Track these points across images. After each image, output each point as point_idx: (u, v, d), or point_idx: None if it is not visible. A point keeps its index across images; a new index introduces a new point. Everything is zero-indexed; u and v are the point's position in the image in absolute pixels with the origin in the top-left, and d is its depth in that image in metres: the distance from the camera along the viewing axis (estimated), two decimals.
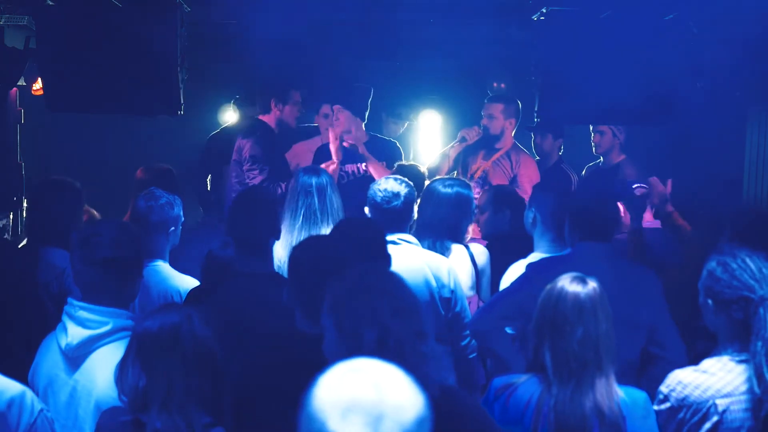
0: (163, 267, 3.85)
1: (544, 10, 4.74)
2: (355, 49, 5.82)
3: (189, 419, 2.25)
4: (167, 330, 2.31)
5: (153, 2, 4.55)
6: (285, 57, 5.60)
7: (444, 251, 4.07)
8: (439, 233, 4.11)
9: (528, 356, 2.77)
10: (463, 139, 6.09)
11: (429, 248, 4.02)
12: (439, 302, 3.75)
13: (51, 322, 2.93)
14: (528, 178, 5.95)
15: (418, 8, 5.36)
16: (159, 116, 5.06)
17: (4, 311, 3.29)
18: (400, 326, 2.23)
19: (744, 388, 2.58)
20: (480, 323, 3.50)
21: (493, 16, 5.40)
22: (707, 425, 2.58)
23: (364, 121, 5.88)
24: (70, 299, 2.74)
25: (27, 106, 5.91)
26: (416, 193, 4.06)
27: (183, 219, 3.99)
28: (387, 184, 3.89)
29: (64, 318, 2.72)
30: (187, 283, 3.80)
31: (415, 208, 4.03)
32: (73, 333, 2.67)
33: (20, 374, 2.55)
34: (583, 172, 6.43)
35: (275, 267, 3.78)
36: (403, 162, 5.66)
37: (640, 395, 2.68)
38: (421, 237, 4.07)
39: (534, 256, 3.94)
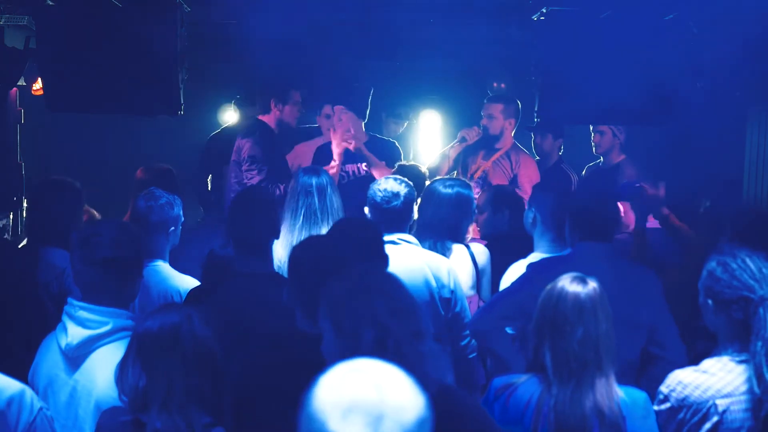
0: (163, 267, 3.85)
1: (544, 10, 4.74)
2: (355, 49, 5.82)
3: (189, 419, 2.25)
4: (167, 330, 2.31)
5: (153, 2, 4.55)
6: (285, 57, 5.59)
7: (445, 251, 4.07)
8: (439, 233, 4.11)
9: (528, 356, 2.77)
10: (462, 140, 6.09)
11: (430, 249, 4.02)
12: (439, 302, 3.75)
13: (51, 322, 2.93)
14: (528, 178, 5.95)
15: (418, 8, 5.36)
16: (159, 116, 5.06)
17: (4, 311, 3.29)
18: (398, 326, 2.23)
19: (744, 388, 2.58)
20: (480, 323, 3.50)
21: (493, 16, 5.40)
22: (707, 425, 2.58)
23: (364, 120, 5.88)
24: (70, 299, 2.74)
25: (27, 106, 5.91)
26: (417, 193, 4.06)
27: (183, 219, 3.99)
28: (387, 184, 3.89)
29: (64, 318, 2.72)
30: (187, 283, 3.80)
31: (415, 208, 4.03)
32: (73, 333, 2.67)
33: (20, 374, 2.55)
34: (583, 172, 6.43)
35: (275, 267, 3.78)
36: (404, 162, 5.67)
37: (640, 395, 2.68)
38: (421, 237, 4.07)
39: (534, 256, 3.94)
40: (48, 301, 3.58)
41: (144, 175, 5.11)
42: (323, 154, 5.73)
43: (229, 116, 7.24)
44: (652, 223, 4.44)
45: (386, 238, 3.78)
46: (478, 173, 6.07)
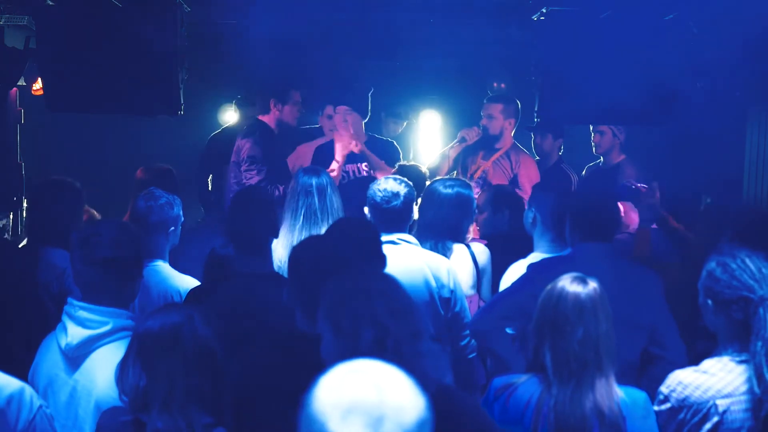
0: (163, 267, 3.85)
1: (544, 10, 4.74)
2: (355, 49, 5.82)
3: (190, 419, 2.25)
4: (168, 330, 2.31)
5: (153, 2, 4.55)
6: (285, 57, 5.60)
7: (446, 252, 4.07)
8: (440, 234, 4.11)
9: (528, 356, 2.77)
10: (462, 140, 6.09)
11: (431, 249, 4.02)
12: (439, 302, 3.75)
13: (51, 322, 2.93)
14: (528, 178, 5.96)
15: (418, 8, 5.36)
16: (159, 116, 5.06)
17: (4, 311, 3.29)
18: (397, 326, 2.23)
19: (744, 388, 2.58)
20: (480, 323, 3.50)
21: (493, 16, 5.40)
22: (708, 426, 2.57)
23: (365, 119, 5.89)
24: (70, 299, 2.74)
25: (27, 106, 5.91)
26: (417, 193, 4.06)
27: (183, 219, 3.99)
28: (386, 184, 3.89)
29: (64, 318, 2.72)
30: (187, 283, 3.80)
31: (415, 208, 4.03)
32: (73, 333, 2.67)
33: (20, 374, 2.55)
34: (583, 172, 6.43)
35: (276, 267, 3.78)
36: (405, 162, 5.67)
37: (640, 395, 2.68)
38: (422, 238, 4.07)
39: (534, 256, 3.94)
40: (48, 301, 3.58)
41: (144, 175, 5.11)
42: (323, 154, 5.73)
43: (229, 116, 7.24)
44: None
45: (386, 238, 3.78)
46: (478, 173, 6.07)
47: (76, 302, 2.71)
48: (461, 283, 3.93)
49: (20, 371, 2.60)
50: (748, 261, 2.62)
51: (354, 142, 5.59)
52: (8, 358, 2.70)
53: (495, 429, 2.44)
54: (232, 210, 3.56)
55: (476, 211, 4.38)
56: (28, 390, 2.44)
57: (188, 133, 7.33)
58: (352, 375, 1.48)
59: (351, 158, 5.70)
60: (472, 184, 4.85)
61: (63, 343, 2.68)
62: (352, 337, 2.21)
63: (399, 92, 6.84)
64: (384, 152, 5.86)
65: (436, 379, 2.27)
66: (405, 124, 6.96)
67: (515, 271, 3.84)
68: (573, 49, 4.66)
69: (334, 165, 5.52)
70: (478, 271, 4.18)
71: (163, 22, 4.52)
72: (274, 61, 5.57)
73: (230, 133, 6.28)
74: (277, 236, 3.63)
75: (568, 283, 2.64)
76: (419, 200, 4.25)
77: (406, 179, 3.98)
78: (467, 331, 3.74)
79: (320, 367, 1.56)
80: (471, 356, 3.85)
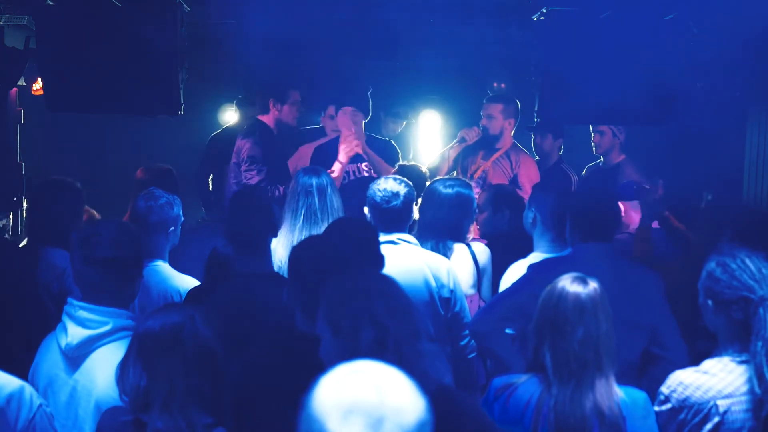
0: (163, 267, 3.86)
1: (544, 10, 4.74)
2: (355, 49, 5.82)
3: (190, 419, 2.25)
4: (168, 330, 2.31)
5: (153, 2, 4.55)
6: (284, 57, 5.59)
7: (446, 251, 4.07)
8: (440, 234, 4.12)
9: (528, 356, 2.77)
10: (462, 140, 6.09)
11: (432, 249, 4.02)
12: (439, 302, 3.75)
13: (51, 322, 2.93)
14: (528, 177, 5.96)
15: (418, 8, 5.36)
16: (159, 116, 5.06)
17: (4, 311, 3.29)
18: (397, 326, 2.23)
19: (745, 388, 2.57)
20: (480, 324, 3.50)
21: (493, 16, 5.40)
22: (708, 426, 2.57)
23: (366, 119, 5.90)
24: (70, 299, 2.75)
25: (27, 106, 5.91)
26: (417, 193, 4.06)
27: (183, 219, 3.99)
28: (386, 184, 3.89)
29: (64, 318, 2.72)
30: (187, 283, 3.80)
31: (415, 208, 4.03)
32: (73, 333, 2.67)
33: (20, 374, 2.55)
34: (583, 172, 6.43)
35: (276, 267, 3.78)
36: (405, 162, 5.67)
37: (639, 395, 2.68)
38: (423, 238, 4.08)
39: (534, 256, 3.94)
40: (48, 301, 3.58)
41: (144, 175, 5.11)
42: (323, 154, 5.72)
43: (229, 116, 7.25)
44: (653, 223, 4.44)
45: (386, 237, 3.78)
46: (478, 173, 6.07)
47: (76, 302, 2.71)
48: (462, 283, 3.93)
49: (20, 371, 2.60)
50: (748, 261, 2.62)
51: (359, 144, 5.59)
52: (8, 358, 2.70)
53: (495, 429, 2.44)
54: (230, 210, 3.56)
55: (476, 210, 4.38)
56: (28, 389, 2.44)
57: (188, 133, 7.33)
58: (353, 376, 1.48)
59: (352, 158, 5.70)
60: (472, 183, 4.85)
61: (63, 343, 2.68)
62: (351, 337, 2.21)
63: (399, 92, 6.84)
64: (383, 152, 5.87)
65: (436, 379, 2.27)
66: (404, 123, 6.96)
67: (515, 271, 3.84)
68: (573, 49, 4.66)
69: (337, 165, 5.51)
70: (479, 271, 4.18)
71: (163, 22, 4.52)
72: (273, 61, 5.57)
73: (231, 133, 6.28)
74: (276, 236, 3.63)
75: (568, 283, 2.64)
76: (419, 200, 4.25)
77: (405, 179, 3.98)
78: (467, 331, 3.74)
79: (320, 367, 1.56)
80: (471, 356, 3.85)
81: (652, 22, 4.71)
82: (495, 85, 6.91)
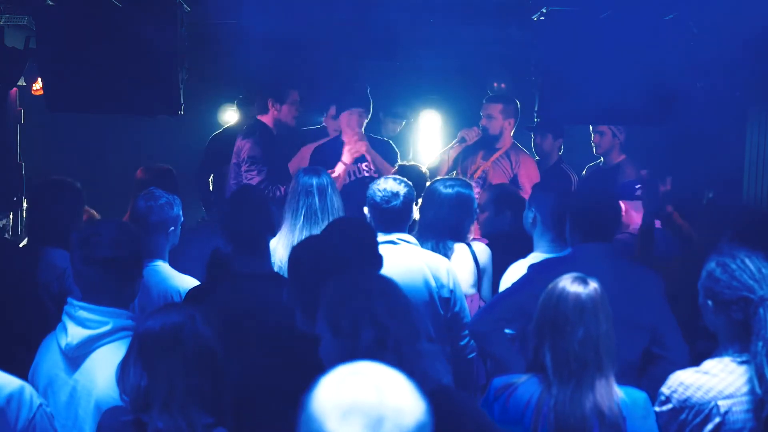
0: (163, 267, 3.85)
1: (544, 10, 4.74)
2: (354, 49, 5.82)
3: (190, 419, 2.25)
4: (169, 330, 2.31)
5: (153, 2, 4.55)
6: (284, 57, 5.59)
7: (446, 251, 4.07)
8: (441, 234, 4.12)
9: (528, 356, 2.77)
10: (462, 140, 6.09)
11: (432, 249, 4.02)
12: (438, 302, 3.75)
13: (51, 322, 2.93)
14: (528, 177, 5.96)
15: (418, 8, 5.36)
16: (159, 116, 5.06)
17: (4, 311, 3.29)
18: (397, 326, 2.23)
19: (746, 389, 2.57)
20: (480, 324, 3.50)
21: (493, 16, 5.40)
22: (709, 426, 2.57)
23: (368, 119, 5.90)
24: (70, 299, 2.75)
25: (27, 106, 5.91)
26: (417, 193, 4.06)
27: (183, 219, 3.99)
28: (386, 184, 3.89)
29: (64, 318, 2.72)
30: (187, 283, 3.80)
31: (415, 208, 4.03)
32: (73, 333, 2.67)
33: (20, 374, 2.55)
34: (583, 172, 6.44)
35: (276, 267, 3.78)
36: (405, 162, 5.67)
37: (639, 395, 2.68)
38: (423, 238, 4.08)
39: (534, 257, 3.94)
40: (48, 301, 3.58)
41: (144, 175, 5.11)
42: (323, 154, 5.72)
43: (229, 116, 7.25)
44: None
45: (385, 237, 3.79)
46: (478, 173, 6.08)
47: (76, 302, 2.71)
48: (462, 282, 3.94)
49: (20, 371, 2.60)
50: (747, 261, 2.62)
51: (364, 145, 5.59)
52: (8, 358, 2.70)
53: (495, 429, 2.44)
54: (228, 210, 3.56)
55: (477, 210, 4.38)
56: (28, 389, 2.44)
57: (188, 133, 7.33)
58: (353, 376, 1.48)
59: None
60: (472, 183, 4.85)
61: (63, 343, 2.68)
62: (351, 337, 2.21)
63: (398, 92, 6.84)
64: (383, 152, 5.87)
65: (436, 379, 2.27)
66: (403, 123, 6.96)
67: (515, 271, 3.84)
68: (573, 49, 4.66)
69: (341, 166, 5.50)
70: (479, 270, 4.18)
71: (163, 22, 4.52)
72: (273, 61, 5.57)
73: (231, 133, 6.28)
74: (274, 235, 3.62)
75: (568, 284, 2.64)
76: (420, 200, 4.25)
77: (405, 179, 3.98)
78: (467, 331, 3.74)
79: (320, 367, 1.56)
80: (471, 356, 3.85)
81: (652, 22, 4.71)
82: (495, 85, 6.91)
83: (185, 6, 4.67)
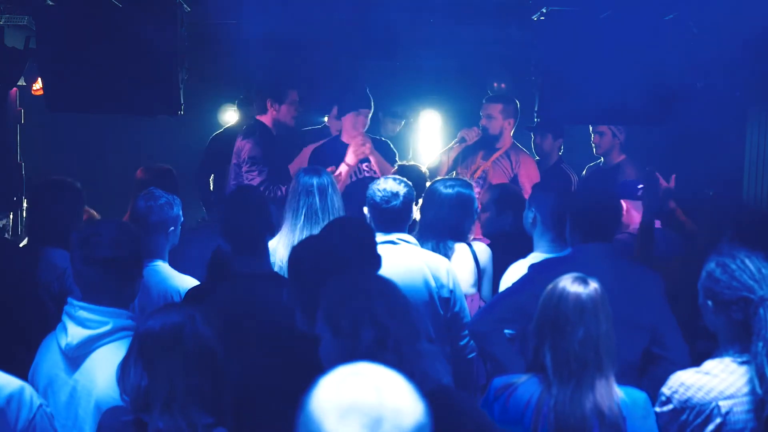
0: (163, 267, 3.85)
1: (544, 10, 4.75)
2: (354, 49, 5.82)
3: (191, 419, 2.25)
4: (169, 330, 2.31)
5: (153, 2, 4.55)
6: (284, 57, 5.59)
7: (447, 252, 4.07)
8: (441, 234, 4.12)
9: (528, 356, 2.77)
10: (462, 140, 6.09)
11: (432, 249, 4.02)
12: (438, 302, 3.75)
13: (51, 322, 2.93)
14: (528, 177, 5.96)
15: (418, 8, 5.36)
16: (159, 116, 5.06)
17: (4, 311, 3.29)
18: (397, 326, 2.23)
19: (746, 389, 2.57)
20: (479, 324, 3.49)
21: (493, 16, 5.40)
22: (711, 427, 2.57)
23: None
24: (70, 299, 2.75)
25: (27, 106, 5.91)
26: (417, 193, 4.06)
27: (182, 219, 3.99)
28: (386, 184, 3.89)
29: (64, 318, 2.72)
30: (187, 283, 3.80)
31: (415, 208, 4.03)
32: (73, 333, 2.67)
33: (20, 374, 2.55)
34: (583, 172, 6.44)
35: (277, 267, 3.78)
36: (405, 162, 5.67)
37: (639, 395, 2.68)
38: (424, 238, 4.08)
39: (534, 257, 3.94)
40: (49, 301, 3.58)
41: (144, 175, 5.11)
42: (322, 154, 5.72)
43: (230, 116, 7.25)
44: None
45: (385, 237, 3.79)
46: (478, 173, 6.08)
47: (76, 302, 2.71)
48: (462, 282, 3.94)
49: (20, 371, 2.60)
50: (747, 261, 2.62)
51: (369, 146, 5.58)
52: (8, 358, 2.70)
53: (495, 429, 2.44)
54: (225, 209, 3.56)
55: (478, 210, 4.37)
56: (28, 389, 2.44)
57: (188, 133, 7.33)
58: (353, 377, 1.48)
59: None
60: (473, 183, 4.85)
61: (63, 343, 2.68)
62: (351, 337, 2.21)
63: (398, 92, 6.84)
64: (381, 152, 5.86)
65: (436, 379, 2.27)
66: (403, 123, 6.96)
67: (515, 271, 3.84)
68: (573, 49, 4.66)
69: (344, 167, 5.48)
70: (479, 270, 4.18)
71: (163, 22, 4.52)
72: (272, 61, 5.57)
73: (232, 133, 6.27)
74: (273, 235, 3.62)
75: (569, 284, 2.64)
76: (420, 200, 4.25)
77: (405, 179, 3.98)
78: (467, 331, 3.74)
79: (320, 367, 1.56)
80: (470, 356, 3.85)
81: (652, 22, 4.71)
82: (495, 85, 6.91)
83: (185, 6, 4.67)
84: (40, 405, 2.43)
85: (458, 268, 3.99)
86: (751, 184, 5.27)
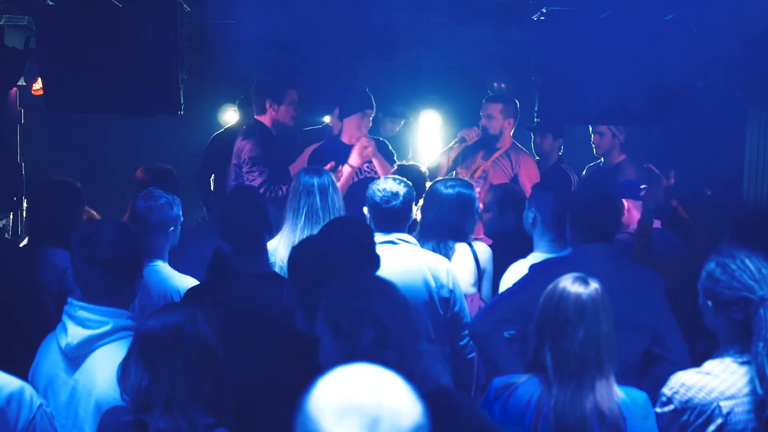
0: (163, 267, 3.85)
1: (544, 10, 4.74)
2: (354, 49, 5.82)
3: (191, 419, 2.25)
4: (170, 330, 2.31)
5: (153, 2, 4.55)
6: (283, 57, 5.59)
7: (447, 252, 4.07)
8: (442, 234, 4.12)
9: (528, 356, 2.77)
10: (462, 140, 6.09)
11: (433, 250, 4.02)
12: (438, 302, 3.75)
13: (51, 322, 2.93)
14: (528, 177, 5.96)
15: (418, 8, 5.36)
16: (159, 116, 5.06)
17: (4, 311, 3.29)
18: (397, 326, 2.24)
19: (747, 389, 2.57)
20: (479, 325, 3.49)
21: (493, 16, 5.41)
22: (712, 427, 2.57)
23: None
24: (70, 299, 2.75)
25: (27, 106, 5.91)
26: (417, 193, 4.06)
27: (182, 219, 3.99)
28: (386, 184, 3.89)
29: (64, 318, 2.72)
30: (187, 283, 3.79)
31: (415, 208, 4.03)
32: (73, 333, 2.67)
33: (20, 374, 2.55)
34: (583, 172, 6.44)
35: (277, 267, 3.78)
36: (405, 162, 5.66)
37: (640, 396, 2.68)
38: (424, 238, 4.08)
39: (534, 257, 3.94)
40: (49, 301, 3.58)
41: (144, 175, 5.11)
42: (322, 155, 5.71)
43: (230, 116, 7.24)
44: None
45: (385, 237, 3.79)
46: (478, 173, 6.08)
47: (76, 302, 2.71)
48: (462, 282, 3.94)
49: (20, 371, 2.60)
50: (747, 261, 2.62)
51: (374, 148, 5.57)
52: (8, 358, 2.70)
53: (494, 429, 2.44)
54: (223, 210, 3.55)
55: (478, 210, 4.38)
56: (28, 389, 2.44)
57: (188, 133, 7.33)
58: (352, 377, 1.48)
59: None
60: (473, 183, 4.85)
61: (63, 343, 2.68)
62: (351, 337, 2.21)
63: (398, 92, 6.84)
64: (382, 153, 5.86)
65: (436, 379, 2.27)
66: (402, 123, 6.96)
67: (515, 271, 3.84)
68: (573, 49, 4.66)
69: (347, 169, 5.47)
70: (480, 270, 4.18)
71: (163, 22, 4.52)
72: (272, 61, 5.56)
73: (232, 133, 6.26)
74: (272, 234, 3.62)
75: (569, 284, 2.64)
76: (420, 201, 4.25)
77: (405, 179, 3.98)
78: (466, 331, 3.74)
79: (320, 367, 1.56)
80: (470, 356, 3.85)
81: (652, 22, 4.72)
82: (495, 85, 6.91)
83: (185, 6, 4.67)
84: (40, 405, 2.43)
85: (458, 267, 3.99)
86: (751, 184, 5.27)
